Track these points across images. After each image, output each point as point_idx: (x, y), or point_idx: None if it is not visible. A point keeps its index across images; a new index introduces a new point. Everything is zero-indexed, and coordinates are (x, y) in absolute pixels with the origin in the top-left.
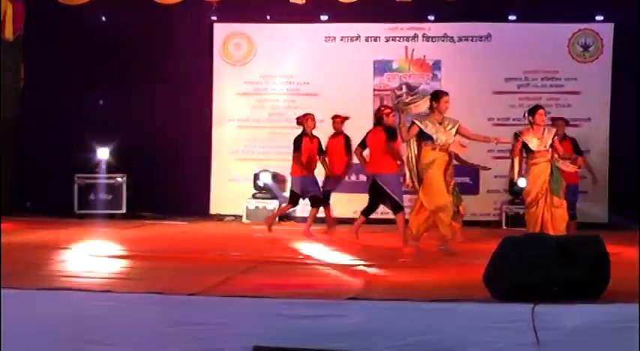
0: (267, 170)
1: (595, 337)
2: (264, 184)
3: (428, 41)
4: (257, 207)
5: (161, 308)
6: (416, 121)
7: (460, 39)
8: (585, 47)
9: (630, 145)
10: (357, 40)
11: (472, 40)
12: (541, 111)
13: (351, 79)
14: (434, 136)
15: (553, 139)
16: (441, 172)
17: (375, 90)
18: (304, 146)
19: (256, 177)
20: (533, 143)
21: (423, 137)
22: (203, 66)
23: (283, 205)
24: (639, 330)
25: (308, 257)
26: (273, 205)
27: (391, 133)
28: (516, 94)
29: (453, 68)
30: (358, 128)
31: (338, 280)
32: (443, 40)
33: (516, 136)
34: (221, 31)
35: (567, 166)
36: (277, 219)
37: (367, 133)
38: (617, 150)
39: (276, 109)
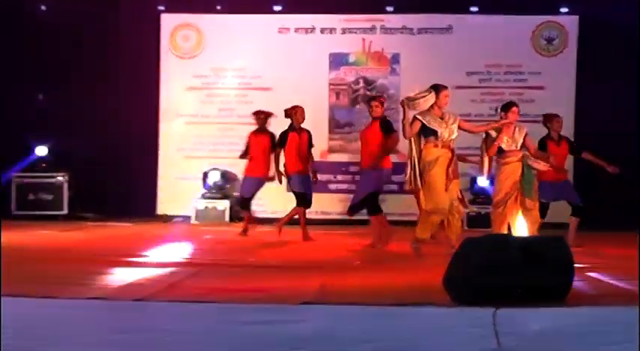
0: (217, 168)
1: (559, 341)
2: None
3: (386, 33)
4: (206, 207)
5: (106, 314)
6: (418, 117)
7: (420, 31)
8: (549, 40)
9: (595, 141)
10: (311, 31)
11: (432, 33)
12: (515, 108)
13: (306, 73)
14: (439, 132)
15: (524, 138)
16: (444, 171)
17: (330, 84)
18: (291, 142)
19: (205, 176)
20: (503, 142)
21: (425, 134)
22: (150, 58)
23: (299, 209)
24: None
25: (260, 260)
26: (223, 205)
27: None
28: (478, 88)
29: (413, 62)
30: (312, 124)
31: (292, 283)
32: (402, 32)
33: (487, 137)
34: (169, 21)
35: (539, 164)
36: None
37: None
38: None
39: (227, 104)
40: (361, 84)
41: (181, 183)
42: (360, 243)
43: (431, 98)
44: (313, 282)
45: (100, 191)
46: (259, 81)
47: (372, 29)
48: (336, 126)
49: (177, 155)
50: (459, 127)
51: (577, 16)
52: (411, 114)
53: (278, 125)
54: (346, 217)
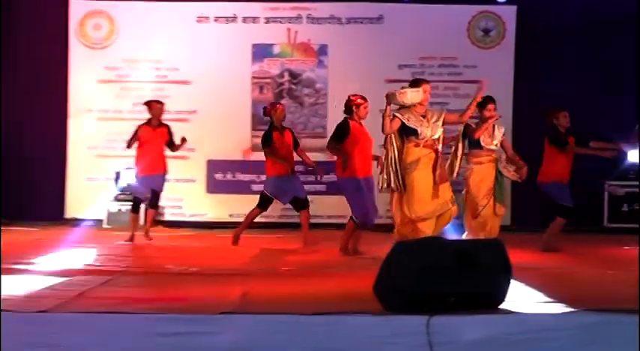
0: (130, 168)
1: (495, 349)
2: None
3: (313, 23)
4: (119, 210)
5: (7, 327)
6: (397, 114)
7: (349, 21)
8: (486, 32)
9: (534, 138)
10: (233, 21)
11: (362, 23)
12: (491, 106)
13: (227, 66)
14: (418, 130)
15: (502, 137)
16: (428, 172)
17: (253, 77)
18: (276, 141)
19: (118, 176)
20: (482, 137)
21: (405, 132)
22: (57, 49)
23: (254, 210)
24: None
25: (179, 266)
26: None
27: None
28: None
29: (341, 53)
30: (233, 120)
31: (212, 292)
32: (330, 22)
33: (467, 128)
34: (78, 8)
35: (509, 172)
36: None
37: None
38: (520, 143)
39: (142, 99)
40: (286, 77)
41: (92, 184)
42: (289, 247)
43: (411, 93)
44: (235, 290)
45: (2, 193)
46: (177, 74)
47: (298, 18)
48: (259, 122)
49: (88, 154)
50: (445, 122)
51: (515, 7)
52: (390, 109)
53: (198, 122)
54: (272, 220)
